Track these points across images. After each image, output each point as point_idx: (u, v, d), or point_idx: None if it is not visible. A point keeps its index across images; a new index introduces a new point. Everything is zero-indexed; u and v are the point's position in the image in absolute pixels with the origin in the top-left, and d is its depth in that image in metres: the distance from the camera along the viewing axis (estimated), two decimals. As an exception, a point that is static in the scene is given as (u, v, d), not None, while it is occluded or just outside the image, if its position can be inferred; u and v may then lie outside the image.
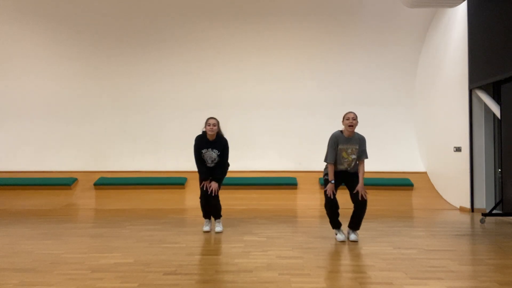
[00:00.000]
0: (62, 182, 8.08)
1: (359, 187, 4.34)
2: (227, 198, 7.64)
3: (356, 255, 3.87)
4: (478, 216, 6.08)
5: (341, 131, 4.46)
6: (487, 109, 6.73)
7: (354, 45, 8.80)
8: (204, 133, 4.96)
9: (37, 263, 3.61)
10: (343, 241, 4.43)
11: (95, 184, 8.09)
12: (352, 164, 4.44)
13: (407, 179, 8.12)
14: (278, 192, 7.88)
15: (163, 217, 6.28)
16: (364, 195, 4.33)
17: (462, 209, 7.04)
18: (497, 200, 6.53)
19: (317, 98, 8.81)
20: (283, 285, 2.99)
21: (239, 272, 3.31)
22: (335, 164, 4.42)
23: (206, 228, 5.07)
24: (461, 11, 7.12)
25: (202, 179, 4.96)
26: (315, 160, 8.35)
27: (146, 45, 8.88)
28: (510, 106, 5.66)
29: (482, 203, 6.76)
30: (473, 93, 6.82)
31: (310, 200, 7.68)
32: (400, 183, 8.02)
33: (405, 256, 3.81)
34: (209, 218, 5.17)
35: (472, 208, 6.80)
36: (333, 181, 4.36)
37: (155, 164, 8.66)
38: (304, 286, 2.98)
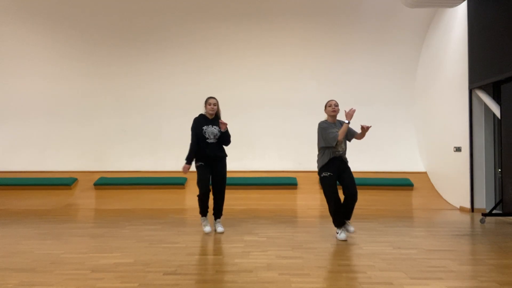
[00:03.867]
0: (62, 182, 8.08)
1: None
2: (227, 198, 7.62)
3: (356, 255, 3.86)
4: (478, 216, 6.09)
5: (325, 120, 4.68)
6: (487, 109, 6.73)
7: (354, 45, 8.81)
8: (202, 114, 5.05)
9: (37, 263, 3.61)
10: (344, 240, 4.45)
11: (95, 184, 8.09)
12: (344, 147, 4.59)
13: (407, 179, 8.12)
14: (278, 192, 7.88)
15: (163, 217, 6.29)
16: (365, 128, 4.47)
17: (462, 209, 7.04)
18: (497, 200, 6.53)
19: (317, 98, 8.76)
20: (283, 285, 2.99)
21: (239, 272, 3.31)
22: (333, 150, 4.50)
23: (208, 229, 4.94)
24: (461, 11, 7.12)
25: (189, 158, 4.96)
26: (315, 160, 8.36)
27: (146, 45, 8.88)
28: (510, 106, 5.66)
29: (482, 203, 6.76)
30: (473, 93, 6.82)
31: (310, 200, 7.68)
32: (400, 183, 8.02)
33: (405, 256, 3.81)
34: (206, 215, 5.06)
35: (472, 208, 6.81)
36: (348, 122, 4.46)
37: (155, 164, 8.66)
38: (304, 286, 2.98)
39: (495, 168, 6.77)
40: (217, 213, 5.14)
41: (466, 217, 6.29)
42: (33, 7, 8.43)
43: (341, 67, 8.90)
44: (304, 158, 8.58)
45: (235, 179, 7.95)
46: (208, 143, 4.93)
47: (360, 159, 8.63)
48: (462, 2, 6.77)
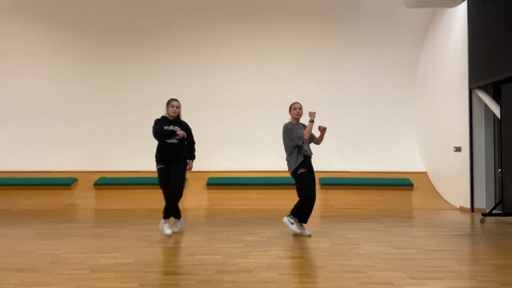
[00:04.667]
0: (62, 182, 8.08)
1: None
2: (227, 198, 7.66)
3: (356, 255, 3.86)
4: (478, 216, 6.08)
5: (289, 122, 4.85)
6: (487, 109, 6.73)
7: (354, 45, 8.80)
8: (163, 116, 4.93)
9: (37, 263, 3.61)
10: (309, 236, 4.69)
11: (95, 184, 8.09)
12: (309, 147, 4.85)
13: (407, 179, 8.12)
14: (278, 192, 7.88)
15: (163, 217, 6.28)
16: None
17: (462, 209, 7.04)
18: (497, 200, 6.53)
19: (317, 97, 8.80)
20: (283, 285, 2.99)
21: (239, 272, 3.31)
22: (303, 149, 4.68)
23: (168, 232, 4.69)
24: (461, 11, 7.12)
25: (168, 133, 4.76)
26: (314, 160, 8.35)
27: (146, 45, 8.88)
28: (510, 106, 5.66)
29: (482, 203, 6.76)
30: (473, 93, 6.82)
31: (310, 200, 7.66)
32: (400, 183, 8.02)
33: (405, 256, 3.81)
34: (170, 218, 4.90)
35: (472, 208, 6.80)
36: (312, 121, 4.67)
37: (155, 164, 8.64)
38: (304, 286, 2.98)
39: (495, 168, 6.77)
40: (174, 214, 4.96)
41: (466, 217, 6.29)
42: (33, 7, 8.43)
43: (341, 67, 8.90)
44: (304, 158, 8.57)
45: (235, 179, 7.94)
46: (167, 143, 4.83)
47: (360, 159, 8.66)
48: (462, 2, 6.77)
